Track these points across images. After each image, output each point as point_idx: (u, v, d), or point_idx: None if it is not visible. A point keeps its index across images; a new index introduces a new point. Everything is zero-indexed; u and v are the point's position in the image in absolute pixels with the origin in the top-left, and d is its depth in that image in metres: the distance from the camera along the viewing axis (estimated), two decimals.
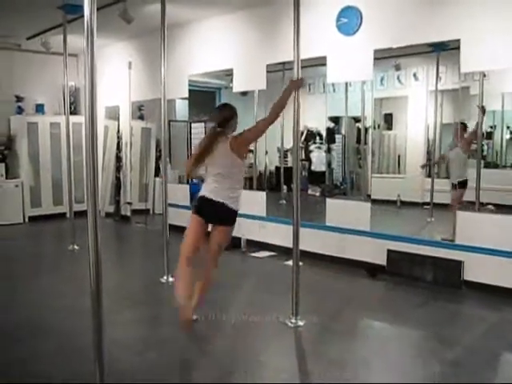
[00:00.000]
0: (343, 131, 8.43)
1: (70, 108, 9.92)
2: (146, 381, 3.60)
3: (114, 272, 6.54)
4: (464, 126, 6.32)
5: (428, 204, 7.04)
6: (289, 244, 4.83)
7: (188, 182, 9.40)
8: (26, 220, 10.29)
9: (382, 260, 6.32)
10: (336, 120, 8.39)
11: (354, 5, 6.43)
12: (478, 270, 5.59)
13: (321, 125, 8.59)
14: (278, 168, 9.33)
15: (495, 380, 3.68)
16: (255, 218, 7.77)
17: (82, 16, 2.69)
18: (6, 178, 10.13)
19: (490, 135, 6.52)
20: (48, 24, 8.37)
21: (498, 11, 5.29)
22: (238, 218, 8.04)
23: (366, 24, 6.38)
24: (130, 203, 10.32)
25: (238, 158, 4.40)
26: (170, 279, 6.05)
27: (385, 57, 6.52)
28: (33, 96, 10.70)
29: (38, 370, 3.76)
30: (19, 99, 10.43)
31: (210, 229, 4.50)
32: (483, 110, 5.67)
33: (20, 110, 10.44)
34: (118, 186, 10.58)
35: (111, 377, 3.03)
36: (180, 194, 9.12)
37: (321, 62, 6.82)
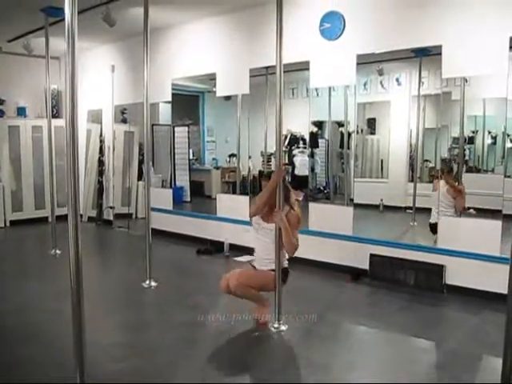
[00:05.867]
0: (326, 136, 8.44)
1: (53, 111, 9.90)
2: None
3: (96, 276, 6.50)
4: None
5: (411, 208, 7.08)
6: None
7: (171, 187, 9.40)
8: (8, 224, 10.18)
9: (364, 264, 6.34)
10: (319, 124, 8.40)
11: (337, 10, 6.47)
12: (459, 274, 5.63)
13: (304, 129, 8.60)
14: (261, 172, 9.32)
15: (476, 382, 3.69)
16: (238, 223, 7.76)
17: (64, 19, 2.67)
18: None
19: (471, 140, 6.56)
20: (30, 26, 8.30)
21: (479, 18, 5.35)
22: (220, 223, 8.07)
23: (349, 29, 6.41)
24: (112, 207, 10.26)
25: None
26: (153, 283, 6.03)
27: (368, 62, 6.55)
28: (14, 99, 10.60)
29: (18, 377, 3.71)
30: (0, 102, 10.33)
31: None
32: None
33: (1, 113, 10.34)
34: (100, 190, 10.52)
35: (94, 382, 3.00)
36: (163, 198, 9.11)
37: (304, 66, 6.84)
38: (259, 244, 4.78)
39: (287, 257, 4.77)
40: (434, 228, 6.08)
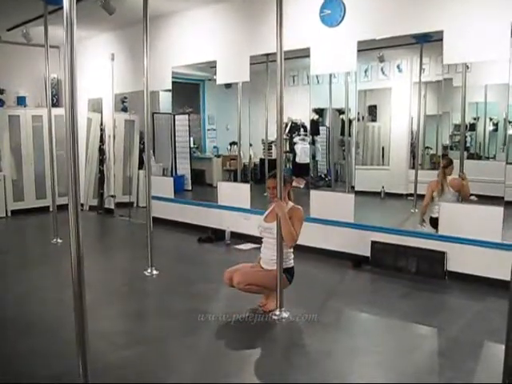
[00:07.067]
0: (327, 123, 8.42)
1: (53, 100, 9.87)
2: (132, 374, 3.58)
3: (97, 265, 6.50)
4: None
5: (412, 195, 7.06)
6: None
7: (172, 175, 9.39)
8: (9, 214, 10.19)
9: (366, 251, 6.35)
10: (320, 112, 8.37)
11: None
12: (461, 261, 5.63)
13: (305, 117, 8.57)
14: (262, 160, 9.31)
15: (478, 369, 3.69)
16: (239, 210, 7.76)
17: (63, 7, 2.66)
18: None
19: (473, 127, 6.53)
20: (29, 15, 8.26)
21: (481, 3, 5.31)
22: (221, 211, 8.05)
23: (350, 15, 6.37)
24: (113, 196, 10.26)
25: None
26: (154, 272, 6.03)
27: (368, 48, 6.51)
28: (14, 88, 10.56)
29: (22, 367, 3.72)
30: (0, 92, 10.30)
31: None
32: None
33: (1, 103, 10.31)
34: (101, 179, 10.52)
35: (97, 371, 3.01)
36: (164, 186, 9.10)
37: (304, 53, 6.81)
38: (265, 245, 4.80)
39: (292, 256, 4.80)
40: (434, 222, 6.07)
